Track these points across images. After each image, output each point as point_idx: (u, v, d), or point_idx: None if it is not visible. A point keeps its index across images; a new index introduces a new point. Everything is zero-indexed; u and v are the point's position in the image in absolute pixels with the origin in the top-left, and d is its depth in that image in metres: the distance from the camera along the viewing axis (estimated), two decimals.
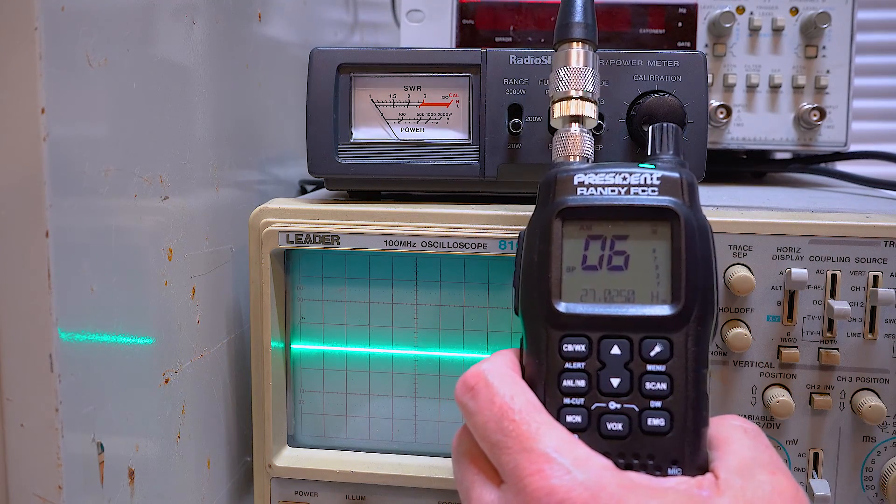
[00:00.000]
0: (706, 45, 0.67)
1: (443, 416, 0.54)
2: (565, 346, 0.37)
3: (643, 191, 0.38)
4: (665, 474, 0.36)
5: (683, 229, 0.37)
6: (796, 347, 0.49)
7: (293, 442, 0.56)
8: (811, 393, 0.49)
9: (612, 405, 0.37)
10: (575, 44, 0.43)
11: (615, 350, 0.37)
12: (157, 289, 0.46)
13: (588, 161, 0.42)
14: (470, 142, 0.51)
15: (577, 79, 0.42)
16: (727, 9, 0.65)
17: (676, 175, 0.38)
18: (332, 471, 0.53)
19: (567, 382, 0.37)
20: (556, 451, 0.34)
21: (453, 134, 0.52)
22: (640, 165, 0.39)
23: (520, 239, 0.41)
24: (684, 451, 0.36)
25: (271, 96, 0.65)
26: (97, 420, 0.40)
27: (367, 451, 0.55)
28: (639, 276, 0.38)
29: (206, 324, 0.53)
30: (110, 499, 0.41)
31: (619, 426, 0.37)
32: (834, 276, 0.48)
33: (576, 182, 0.38)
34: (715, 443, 0.37)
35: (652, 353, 0.37)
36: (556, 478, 0.33)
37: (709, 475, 0.35)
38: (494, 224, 0.50)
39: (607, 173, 0.38)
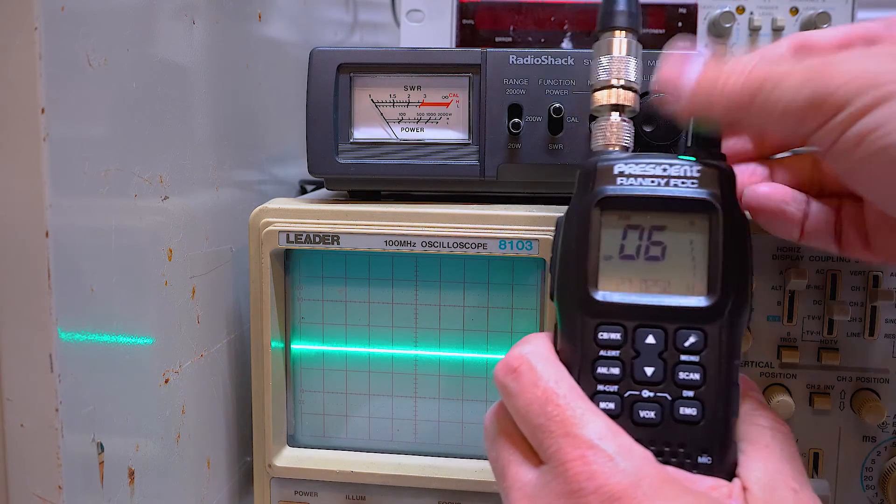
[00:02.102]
0: (706, 45, 0.67)
1: (443, 416, 0.54)
2: (601, 333, 0.38)
3: (682, 183, 0.38)
4: (695, 462, 0.37)
5: (721, 222, 0.37)
6: (796, 347, 0.48)
7: (293, 442, 0.56)
8: (811, 393, 0.49)
9: (646, 393, 0.37)
10: (618, 32, 0.42)
11: (650, 339, 0.37)
12: (157, 289, 0.46)
13: (627, 150, 0.42)
14: (470, 142, 0.51)
15: (619, 67, 0.42)
16: (727, 9, 0.65)
17: (716, 168, 0.38)
18: (332, 471, 0.53)
19: (601, 369, 0.38)
20: (600, 438, 0.34)
21: (453, 134, 0.52)
22: (680, 157, 0.39)
23: (557, 225, 0.41)
24: (714, 441, 0.37)
25: (271, 96, 0.65)
26: (97, 420, 0.40)
27: (367, 451, 0.55)
28: (675, 267, 0.38)
29: (206, 324, 0.53)
30: (110, 499, 0.41)
31: (651, 414, 0.37)
32: (834, 276, 0.48)
33: (616, 172, 0.38)
34: (742, 444, 0.37)
35: (686, 344, 0.37)
36: (598, 464, 0.33)
37: (738, 483, 0.35)
38: (494, 224, 0.50)
39: (647, 164, 0.38)
